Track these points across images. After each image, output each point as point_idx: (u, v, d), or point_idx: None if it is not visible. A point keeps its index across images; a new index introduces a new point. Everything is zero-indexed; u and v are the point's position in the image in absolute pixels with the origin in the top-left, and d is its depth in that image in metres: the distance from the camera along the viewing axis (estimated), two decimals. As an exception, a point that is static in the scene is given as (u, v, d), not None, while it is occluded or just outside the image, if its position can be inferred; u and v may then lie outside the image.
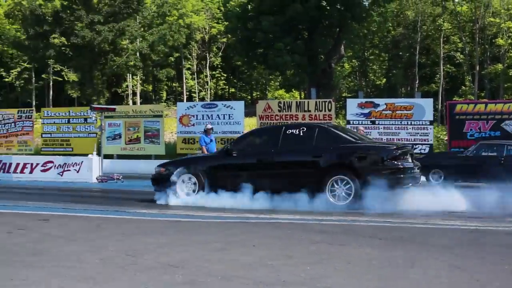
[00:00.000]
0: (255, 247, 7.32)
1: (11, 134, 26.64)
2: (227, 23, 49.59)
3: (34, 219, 9.92)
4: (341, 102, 41.64)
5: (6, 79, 63.42)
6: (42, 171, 21.38)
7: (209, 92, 65.85)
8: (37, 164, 21.59)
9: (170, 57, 62.19)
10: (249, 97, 68.05)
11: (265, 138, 13.47)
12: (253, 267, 6.11)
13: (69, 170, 21.01)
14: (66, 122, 25.92)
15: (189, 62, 65.62)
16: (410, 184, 11.62)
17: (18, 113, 27.21)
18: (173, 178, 12.72)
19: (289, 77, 42.12)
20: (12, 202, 12.72)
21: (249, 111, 30.14)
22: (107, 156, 23.74)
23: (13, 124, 26.58)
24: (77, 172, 20.85)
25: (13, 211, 11.11)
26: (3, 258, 6.57)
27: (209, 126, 18.03)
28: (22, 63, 61.45)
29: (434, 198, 11.11)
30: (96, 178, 20.38)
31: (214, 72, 66.81)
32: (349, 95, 53.25)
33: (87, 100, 45.03)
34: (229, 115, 23.11)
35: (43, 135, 26.44)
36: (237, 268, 6.05)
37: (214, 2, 66.19)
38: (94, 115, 23.80)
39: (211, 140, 17.52)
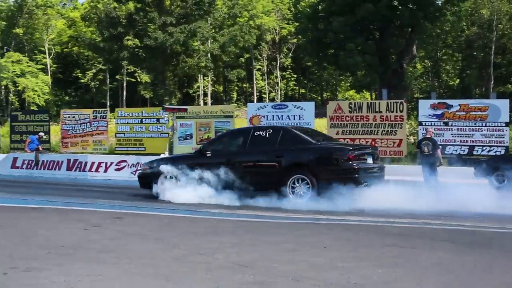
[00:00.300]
0: (326, 248, 7.28)
1: (86, 134, 27.32)
2: (298, 23, 49.53)
3: (109, 217, 10.14)
4: (413, 103, 40.91)
5: (82, 80, 65.25)
6: (116, 170, 21.83)
7: (279, 92, 65.95)
8: (111, 163, 22.07)
9: (241, 58, 62.61)
10: (319, 98, 67.78)
11: (236, 139, 14.18)
12: (324, 269, 6.08)
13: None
14: (139, 122, 26.38)
15: (260, 63, 65.89)
16: (365, 184, 12.02)
17: (93, 113, 27.87)
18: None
19: (359, 77, 41.72)
20: (89, 200, 13.05)
21: (319, 112, 29.99)
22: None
23: (88, 124, 27.25)
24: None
25: (89, 209, 11.38)
26: (80, 254, 6.75)
27: None
28: (97, 65, 63.11)
29: (386, 197, 11.40)
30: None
31: (284, 73, 66.85)
32: (421, 96, 52.28)
33: (159, 100, 45.81)
34: (299, 116, 23.03)
35: (117, 135, 26.98)
36: (308, 269, 6.03)
37: (284, 3, 66.21)
38: (166, 115, 24.16)
39: None
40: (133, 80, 60.74)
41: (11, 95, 63.85)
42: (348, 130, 21.62)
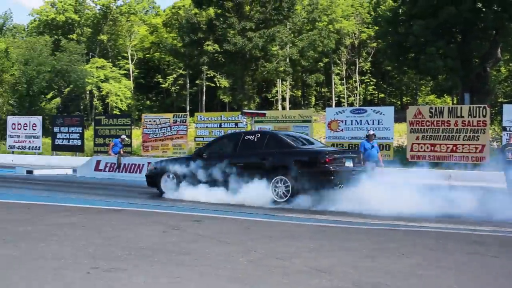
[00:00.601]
0: (404, 255, 7.14)
1: (166, 138, 27.85)
2: (377, 27, 48.92)
3: (188, 220, 10.27)
4: (496, 108, 39.74)
5: (163, 85, 66.55)
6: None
7: (358, 97, 65.39)
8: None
9: (320, 63, 62.45)
10: (398, 102, 66.77)
11: (228, 143, 15.46)
12: (403, 276, 5.97)
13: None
14: (218, 126, 26.69)
15: (338, 67, 65.53)
16: (340, 186, 12.76)
17: (173, 117, 28.40)
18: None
19: (441, 82, 40.83)
20: (169, 203, 13.26)
21: (399, 117, 29.54)
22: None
23: (168, 128, 27.78)
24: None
25: (169, 212, 11.56)
26: (158, 256, 6.86)
27: (371, 132, 17.42)
28: (178, 70, 64.25)
29: (360, 198, 12.09)
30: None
31: (363, 77, 66.26)
32: (505, 100, 50.67)
33: (238, 105, 46.18)
34: (378, 120, 22.75)
35: (196, 139, 27.37)
36: (386, 276, 5.93)
37: (364, 7, 65.65)
38: (245, 119, 24.32)
39: (372, 146, 17.02)
40: (213, 84, 61.55)
41: (95, 99, 65.83)
42: (428, 135, 21.21)
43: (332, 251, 7.47)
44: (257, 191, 13.19)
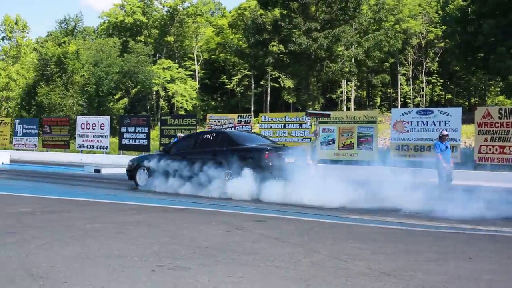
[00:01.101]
0: (471, 259, 6.99)
1: (231, 138, 28.06)
2: (445, 27, 48.03)
3: (251, 220, 10.31)
4: None
5: (228, 86, 67.04)
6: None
7: (424, 98, 64.31)
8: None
9: (385, 63, 61.76)
10: (466, 103, 65.39)
11: (190, 141, 17.48)
12: (469, 281, 5.84)
13: (284, 173, 21.51)
14: (282, 127, 26.71)
15: (405, 68, 64.64)
16: (278, 178, 14.25)
17: (238, 118, 28.57)
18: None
19: (511, 82, 39.79)
20: (233, 202, 13.35)
21: (467, 118, 28.93)
22: (321, 161, 24.05)
23: (233, 128, 27.97)
24: (292, 175, 21.28)
25: (232, 211, 11.63)
26: (222, 255, 6.91)
27: (445, 133, 17.00)
28: (243, 71, 64.60)
29: (292, 190, 13.74)
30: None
31: (430, 78, 65.15)
32: None
33: (302, 105, 46.13)
34: (445, 122, 22.32)
35: (260, 139, 27.46)
36: (452, 281, 5.81)
37: (432, 6, 64.50)
38: (309, 120, 24.26)
39: (446, 147, 16.69)
40: (277, 85, 61.64)
41: (161, 100, 66.86)
42: (497, 137, 20.71)
43: (396, 253, 7.37)
44: (211, 182, 15.03)
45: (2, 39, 76.19)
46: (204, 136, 16.84)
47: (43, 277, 5.59)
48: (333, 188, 13.39)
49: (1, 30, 75.80)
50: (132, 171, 17.78)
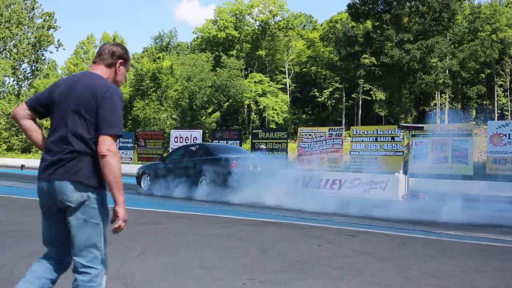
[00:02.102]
0: None
1: (322, 151, 27.93)
2: (546, 36, 46.25)
3: (342, 234, 10.21)
4: None
5: (319, 99, 66.95)
6: (349, 187, 21.96)
7: (523, 110, 62.05)
8: (345, 181, 22.25)
9: (481, 74, 60.01)
10: None
11: (180, 152, 21.05)
12: None
13: (376, 187, 21.28)
14: (374, 140, 26.38)
15: (502, 79, 62.66)
16: (240, 184, 16.84)
17: (329, 131, 28.44)
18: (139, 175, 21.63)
19: None
20: (323, 217, 13.28)
21: None
22: (413, 175, 23.59)
23: (324, 141, 27.86)
24: (383, 190, 21.01)
25: (323, 225, 11.56)
26: (313, 270, 6.87)
27: None
28: (334, 83, 64.38)
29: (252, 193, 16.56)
30: (402, 196, 20.33)
31: (529, 89, 62.80)
32: None
33: (394, 118, 45.45)
34: (546, 135, 21.46)
35: (352, 153, 27.23)
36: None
37: (531, 15, 62.29)
38: (402, 133, 23.85)
39: None
40: (369, 98, 61.05)
41: (252, 113, 67.42)
42: None
43: (492, 271, 7.10)
44: (191, 186, 18.35)
45: (101, 56, 79.05)
46: (189, 148, 20.80)
47: (137, 288, 5.73)
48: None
49: (100, 47, 78.72)
50: (139, 177, 21.51)
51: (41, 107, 3.79)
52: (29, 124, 3.78)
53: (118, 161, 3.59)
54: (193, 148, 20.46)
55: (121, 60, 4.01)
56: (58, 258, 3.81)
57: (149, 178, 20.89)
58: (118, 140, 2.95)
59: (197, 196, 17.75)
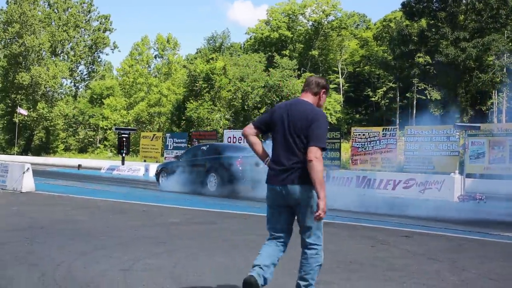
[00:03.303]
0: None
1: (375, 151, 27.64)
2: None
3: (396, 235, 10.11)
4: None
5: (373, 99, 66.38)
6: (404, 188, 21.71)
7: None
8: (400, 181, 21.99)
9: (542, 72, 58.46)
10: None
11: (193, 151, 22.75)
12: None
13: (431, 188, 20.97)
14: (429, 140, 25.97)
15: None
16: (244, 180, 18.79)
17: (383, 131, 28.12)
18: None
19: None
20: (377, 217, 13.16)
21: None
22: (469, 175, 23.17)
23: (378, 141, 27.56)
24: (438, 190, 20.69)
25: (377, 226, 11.46)
26: (366, 270, 6.83)
27: None
28: (388, 83, 63.72)
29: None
30: (458, 197, 20.00)
31: None
32: None
33: (450, 118, 44.72)
34: None
35: (406, 153, 26.87)
36: None
37: None
38: (457, 133, 23.43)
39: None
40: (423, 97, 60.17)
41: (305, 113, 67.15)
42: None
43: (553, 275, 6.92)
44: (201, 183, 19.99)
45: (155, 57, 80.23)
46: (201, 148, 22.25)
47: (191, 287, 5.78)
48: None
49: (154, 49, 79.88)
50: (157, 175, 23.16)
51: (263, 126, 5.15)
52: (254, 139, 5.15)
53: (321, 166, 4.68)
54: (204, 147, 22.03)
55: (324, 90, 5.27)
56: (284, 241, 5.21)
57: (165, 175, 22.37)
58: (323, 151, 4.70)
59: (205, 191, 19.54)
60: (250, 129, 5.16)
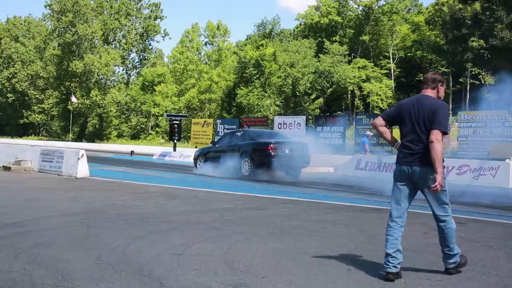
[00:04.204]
0: None
1: (428, 137, 27.25)
2: None
3: (449, 222, 9.96)
4: None
5: (424, 84, 65.24)
6: (457, 174, 21.33)
7: None
8: (453, 167, 21.62)
9: None
10: None
11: (228, 137, 23.62)
12: None
13: (485, 174, 20.56)
14: (483, 125, 25.50)
15: None
16: (277, 165, 20.07)
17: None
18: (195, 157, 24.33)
19: None
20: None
21: None
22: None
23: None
24: (493, 177, 20.27)
25: (430, 212, 11.30)
26: (419, 257, 6.77)
27: None
28: (440, 68, 62.65)
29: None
30: (514, 184, 19.58)
31: None
32: None
33: (505, 103, 43.74)
34: None
35: (459, 139, 26.46)
36: None
37: None
38: (513, 118, 22.93)
39: None
40: (477, 82, 58.98)
41: (356, 99, 66.74)
42: None
43: None
44: (235, 167, 20.70)
45: (205, 44, 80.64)
46: (236, 133, 23.38)
47: (243, 271, 5.82)
48: None
49: (204, 36, 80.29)
50: (195, 159, 24.11)
51: (390, 119, 6.10)
52: (383, 129, 6.07)
53: (441, 147, 5.53)
54: (238, 133, 23.10)
55: (440, 83, 6.04)
56: (403, 220, 6.05)
57: (203, 160, 23.37)
58: (443, 135, 5.67)
59: (239, 175, 20.37)
60: (379, 121, 6.13)
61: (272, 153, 19.95)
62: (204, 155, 23.46)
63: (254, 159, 20.51)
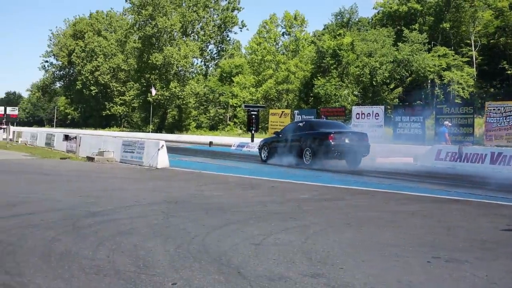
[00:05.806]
0: None
1: (511, 127, 26.47)
2: None
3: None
4: None
5: (508, 72, 63.33)
6: None
7: None
8: None
9: None
10: None
11: (290, 127, 24.03)
12: None
13: None
14: None
15: None
16: (337, 154, 20.55)
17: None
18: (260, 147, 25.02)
19: None
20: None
21: None
22: None
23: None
24: None
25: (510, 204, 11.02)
26: (502, 250, 6.61)
27: None
28: (525, 55, 60.43)
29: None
30: None
31: None
32: None
33: None
34: None
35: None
36: None
37: None
38: None
39: None
40: None
41: (436, 88, 65.33)
42: None
43: None
44: (297, 156, 21.46)
45: (283, 34, 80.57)
46: (298, 124, 23.99)
47: (321, 262, 5.84)
48: None
49: (282, 26, 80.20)
50: (259, 149, 24.86)
51: None
52: None
53: None
54: (300, 124, 23.77)
55: None
56: None
57: (267, 149, 23.96)
58: None
59: (301, 165, 20.97)
60: None
61: (333, 143, 20.42)
62: (268, 145, 24.16)
63: (315, 148, 20.92)
